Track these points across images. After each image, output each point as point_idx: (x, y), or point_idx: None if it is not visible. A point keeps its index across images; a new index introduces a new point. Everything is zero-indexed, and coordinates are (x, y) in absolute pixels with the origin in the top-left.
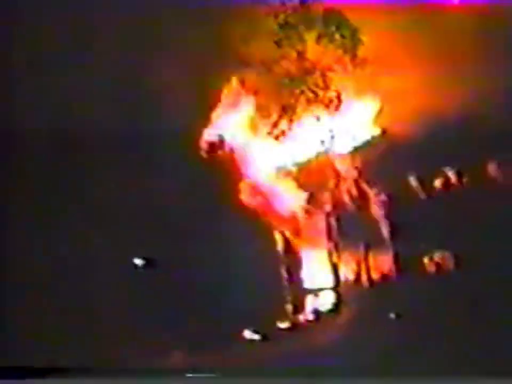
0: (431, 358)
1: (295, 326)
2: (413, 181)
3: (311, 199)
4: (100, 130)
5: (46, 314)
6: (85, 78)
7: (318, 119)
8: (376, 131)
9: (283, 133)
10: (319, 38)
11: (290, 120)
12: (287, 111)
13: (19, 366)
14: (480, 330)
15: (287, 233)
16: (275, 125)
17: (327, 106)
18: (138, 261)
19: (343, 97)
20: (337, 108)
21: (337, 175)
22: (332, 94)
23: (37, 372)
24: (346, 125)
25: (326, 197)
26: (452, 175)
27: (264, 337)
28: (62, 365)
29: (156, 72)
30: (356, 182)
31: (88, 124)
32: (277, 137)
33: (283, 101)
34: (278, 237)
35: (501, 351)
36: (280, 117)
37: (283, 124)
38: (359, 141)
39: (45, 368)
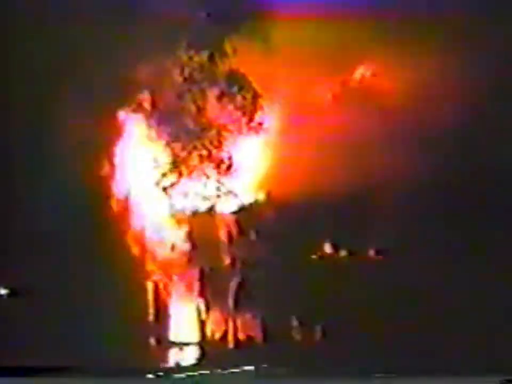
0: None
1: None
2: (287, 248)
3: (189, 253)
4: None
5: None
6: None
7: (207, 177)
8: (261, 195)
9: (172, 185)
10: (220, 96)
11: (180, 174)
12: (178, 164)
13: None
14: None
15: (161, 283)
16: (164, 176)
17: (217, 165)
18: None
19: (234, 159)
20: (227, 169)
21: (217, 233)
22: (223, 154)
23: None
24: (233, 186)
25: (202, 252)
26: (328, 247)
27: None
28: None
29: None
30: (233, 242)
31: None
32: (164, 189)
33: (175, 154)
34: (149, 286)
35: None
36: (170, 169)
37: (172, 177)
38: (243, 203)
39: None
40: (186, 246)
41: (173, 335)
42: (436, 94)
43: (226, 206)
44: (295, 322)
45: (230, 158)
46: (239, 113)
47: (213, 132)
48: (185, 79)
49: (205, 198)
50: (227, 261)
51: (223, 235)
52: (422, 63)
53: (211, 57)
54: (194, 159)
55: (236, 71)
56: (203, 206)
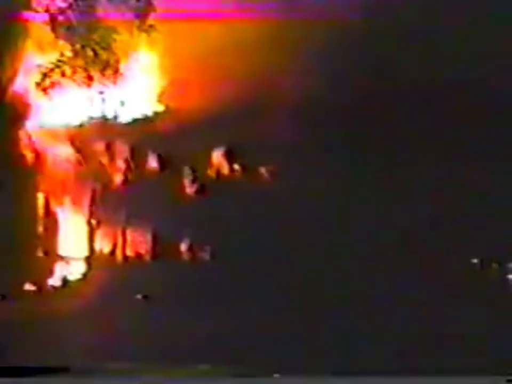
0: (172, 343)
1: (41, 290)
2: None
3: (80, 166)
4: None
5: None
6: None
7: (90, 79)
8: (160, 107)
9: (52, 85)
10: None
11: (62, 74)
12: (60, 64)
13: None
14: (227, 318)
15: (51, 197)
16: (45, 76)
17: (104, 69)
18: None
19: (124, 66)
20: (114, 74)
21: (111, 145)
22: (111, 57)
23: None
24: (125, 95)
25: (95, 166)
26: (225, 164)
27: (4, 298)
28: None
29: None
30: (130, 156)
31: None
32: (44, 89)
33: (60, 53)
34: (40, 198)
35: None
36: (51, 69)
37: (54, 77)
38: (139, 114)
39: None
40: (78, 159)
41: (61, 249)
42: None
43: (120, 116)
44: (185, 241)
45: (117, 61)
46: (131, 14)
47: (101, 32)
48: None
49: (93, 103)
50: (120, 176)
51: (117, 147)
52: None
53: None
54: (79, 60)
55: None
56: (95, 115)
